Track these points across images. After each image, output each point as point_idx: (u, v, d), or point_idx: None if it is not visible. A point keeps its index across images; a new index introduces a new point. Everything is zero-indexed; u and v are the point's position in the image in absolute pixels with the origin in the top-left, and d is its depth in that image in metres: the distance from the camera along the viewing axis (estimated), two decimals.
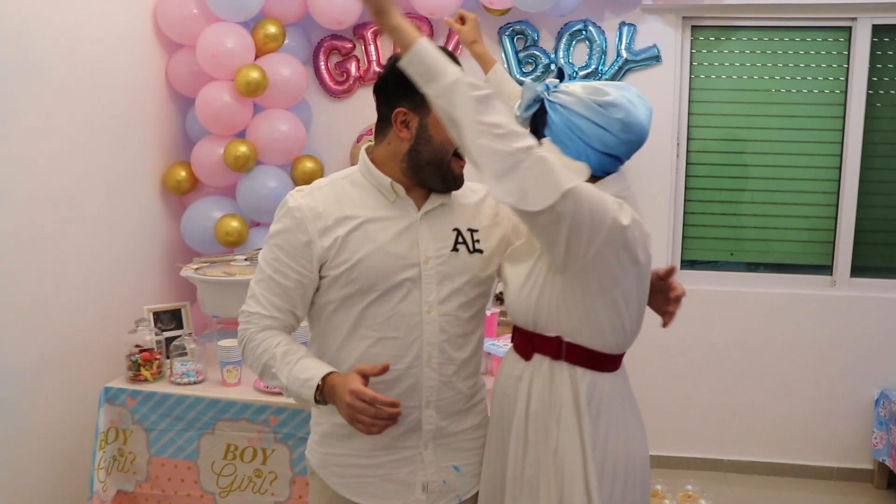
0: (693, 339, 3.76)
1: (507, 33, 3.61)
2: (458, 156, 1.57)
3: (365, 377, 1.48)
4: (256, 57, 3.33)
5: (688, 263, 3.85)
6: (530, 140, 1.40)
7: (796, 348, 3.74)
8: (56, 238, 2.63)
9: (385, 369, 1.49)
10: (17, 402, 2.47)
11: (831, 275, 3.78)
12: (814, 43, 3.64)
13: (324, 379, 1.52)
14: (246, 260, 2.71)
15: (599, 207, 1.42)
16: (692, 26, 3.66)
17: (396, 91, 1.55)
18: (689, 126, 3.73)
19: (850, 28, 3.60)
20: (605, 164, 1.52)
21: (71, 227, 2.72)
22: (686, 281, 3.75)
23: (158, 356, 2.52)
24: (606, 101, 1.49)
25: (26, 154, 2.49)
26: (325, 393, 1.52)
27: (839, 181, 3.71)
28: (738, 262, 3.83)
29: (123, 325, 2.68)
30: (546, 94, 1.54)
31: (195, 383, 2.48)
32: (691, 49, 3.69)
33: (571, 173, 1.45)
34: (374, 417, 1.44)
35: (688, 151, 3.75)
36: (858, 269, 3.77)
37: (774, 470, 3.82)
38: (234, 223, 3.26)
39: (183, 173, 3.37)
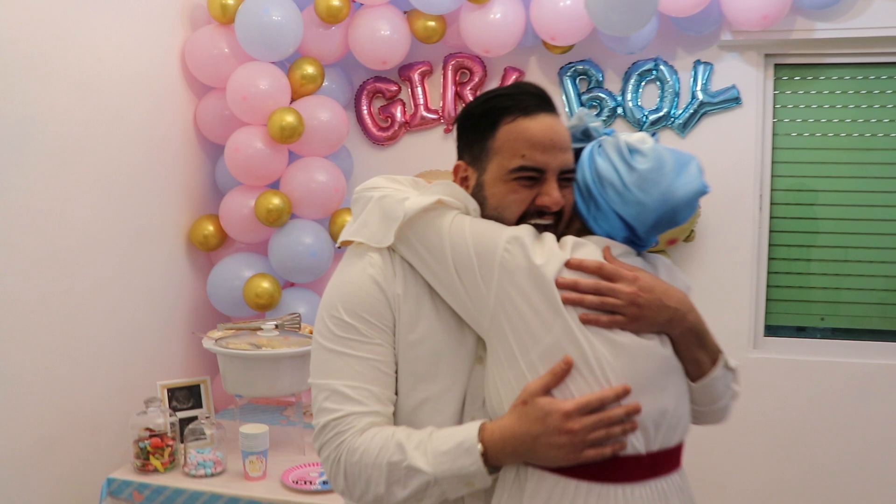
0: (779, 414, 3.31)
1: (568, 73, 3.27)
2: (539, 214, 1.33)
3: (547, 393, 1.20)
4: (292, 100, 3.03)
5: (772, 329, 3.41)
6: None
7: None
8: (63, 300, 2.32)
9: (569, 365, 1.21)
10: (7, 496, 2.11)
11: None
12: None
13: (481, 433, 1.19)
14: (276, 328, 2.35)
15: (482, 236, 1.27)
16: (775, 64, 3.29)
17: (460, 139, 1.39)
18: (772, 176, 3.33)
19: None
20: (614, 230, 1.34)
21: (80, 288, 2.41)
22: (771, 350, 3.33)
23: (171, 442, 2.16)
24: (637, 147, 1.33)
25: (31, 207, 2.19)
26: (489, 452, 1.18)
27: None
28: (831, 329, 3.38)
29: (136, 403, 2.32)
30: (595, 131, 1.41)
31: (213, 475, 2.12)
32: (774, 90, 3.31)
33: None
34: (613, 423, 1.19)
35: (771, 204, 3.34)
36: None
37: None
38: (266, 284, 2.92)
39: (210, 227, 3.06)
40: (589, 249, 1.30)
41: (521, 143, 1.28)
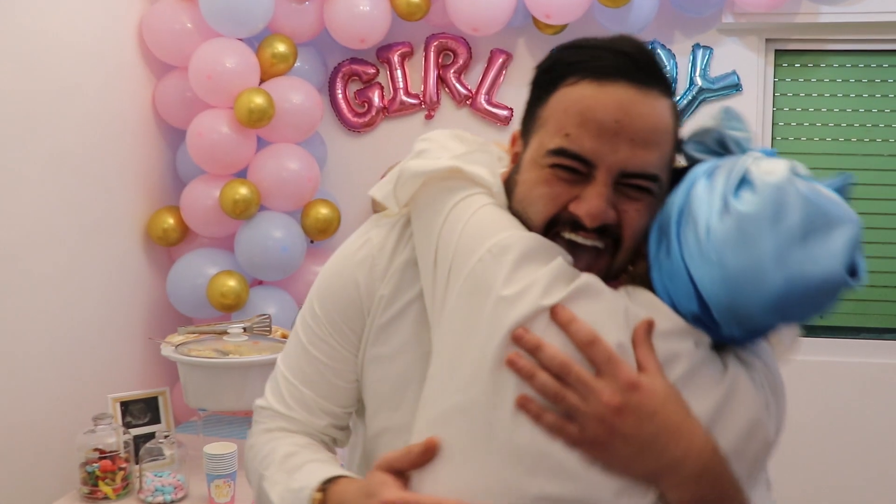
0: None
1: None
2: (574, 226, 0.93)
3: (398, 474, 0.89)
4: (261, 81, 2.76)
5: None
6: None
7: None
8: (9, 295, 2.04)
9: (432, 448, 0.87)
10: None
11: None
12: None
13: (326, 487, 0.95)
14: (244, 331, 2.09)
15: (476, 231, 0.92)
16: (776, 50, 3.11)
17: (528, 101, 1.00)
18: None
19: None
20: (679, 296, 0.89)
21: (21, 288, 2.13)
22: None
23: (124, 464, 1.90)
24: (755, 178, 0.87)
25: None
26: None
27: None
28: (832, 327, 3.21)
29: (83, 419, 2.05)
30: (735, 145, 0.94)
31: (173, 503, 1.85)
32: (775, 77, 3.12)
33: None
34: None
35: None
36: None
37: None
38: (232, 282, 2.65)
39: (171, 220, 2.78)
40: (635, 311, 0.88)
41: (571, 116, 0.90)
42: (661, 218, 0.93)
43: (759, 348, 0.94)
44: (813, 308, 0.87)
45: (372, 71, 3.13)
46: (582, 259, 0.92)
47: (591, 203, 0.89)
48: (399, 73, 3.11)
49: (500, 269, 0.87)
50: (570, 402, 0.83)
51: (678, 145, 0.97)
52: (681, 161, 0.99)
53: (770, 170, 0.88)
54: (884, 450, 3.17)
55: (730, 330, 0.88)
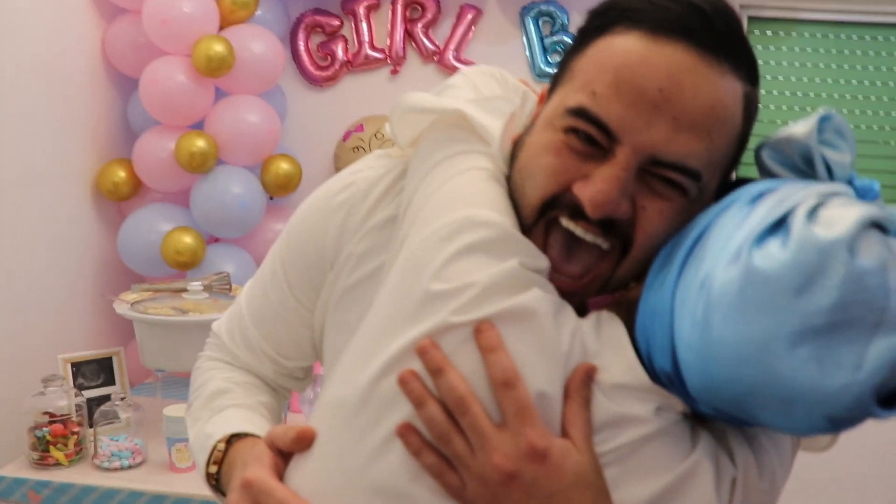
0: None
1: (531, 14, 2.95)
2: (572, 212, 0.73)
3: (281, 453, 0.76)
4: (220, 28, 2.62)
5: None
6: None
7: None
8: None
9: (305, 438, 0.73)
10: None
11: None
12: (888, 43, 3.09)
13: (234, 440, 0.86)
14: (204, 289, 1.98)
15: (449, 198, 0.76)
16: (749, 17, 3.07)
17: (566, 51, 0.80)
18: None
19: None
20: (656, 350, 0.69)
21: None
22: None
23: (77, 428, 1.78)
24: (799, 229, 0.62)
25: None
26: (223, 468, 0.85)
27: None
28: None
29: (31, 382, 1.92)
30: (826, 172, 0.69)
31: (130, 468, 1.75)
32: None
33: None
34: None
35: (742, 164, 3.15)
36: None
37: None
38: (188, 239, 2.52)
39: (122, 174, 2.63)
40: (585, 351, 0.69)
41: (606, 72, 0.70)
42: (679, 237, 0.71)
43: (760, 437, 0.72)
44: (808, 424, 0.63)
45: (336, 23, 3.00)
46: (576, 257, 0.73)
47: (598, 186, 0.69)
48: (364, 25, 2.98)
49: (439, 255, 0.70)
50: (456, 448, 0.67)
51: (746, 146, 0.77)
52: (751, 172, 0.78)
53: (832, 220, 0.62)
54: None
55: (702, 408, 0.68)
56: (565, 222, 0.73)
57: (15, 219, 2.23)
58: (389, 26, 2.97)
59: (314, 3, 2.97)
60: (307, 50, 3.02)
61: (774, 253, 0.61)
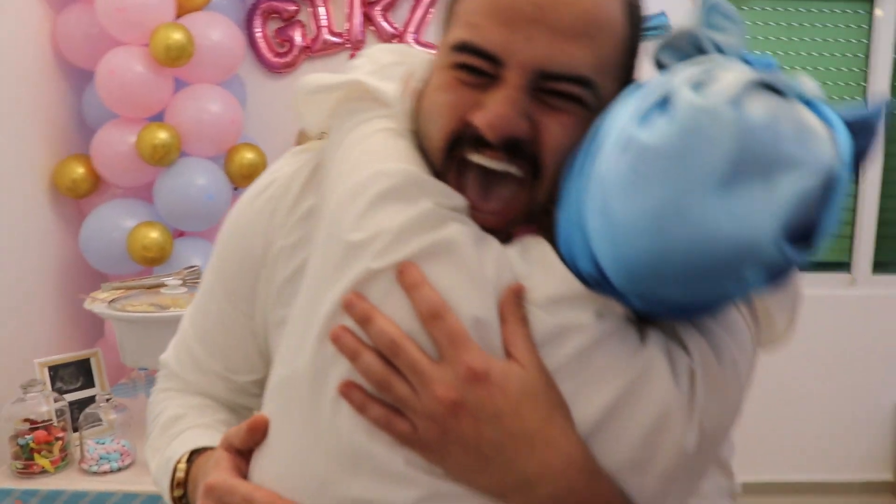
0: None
1: None
2: (476, 143, 0.72)
3: (239, 453, 0.75)
4: (177, 16, 2.54)
5: None
6: None
7: (811, 354, 3.34)
8: None
9: (256, 427, 0.73)
10: None
11: (850, 272, 3.40)
12: (832, 15, 3.18)
13: (195, 458, 0.84)
14: (183, 285, 1.93)
15: (358, 162, 0.75)
16: None
17: None
18: None
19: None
20: (576, 252, 0.67)
21: None
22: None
23: (61, 434, 1.72)
24: (683, 98, 0.62)
25: None
26: (189, 488, 0.82)
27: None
28: None
29: (4, 389, 1.85)
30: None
31: (120, 470, 1.71)
32: None
33: None
34: None
35: None
36: (881, 265, 3.39)
37: (789, 489, 3.40)
38: (154, 234, 2.46)
39: (80, 170, 2.54)
40: (515, 274, 0.68)
41: (482, 3, 0.70)
42: (582, 145, 0.69)
43: (711, 326, 0.70)
44: (732, 283, 0.61)
45: (293, 8, 2.95)
46: (493, 193, 0.72)
47: (492, 109, 0.69)
48: (322, 10, 2.93)
49: (353, 210, 0.69)
50: (398, 392, 0.65)
51: (637, 54, 0.76)
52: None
53: (716, 85, 0.61)
54: (794, 374, 3.33)
55: (634, 302, 0.66)
56: (472, 156, 0.72)
57: None
58: (348, 10, 2.93)
59: None
60: (264, 36, 2.96)
61: (660, 126, 0.61)
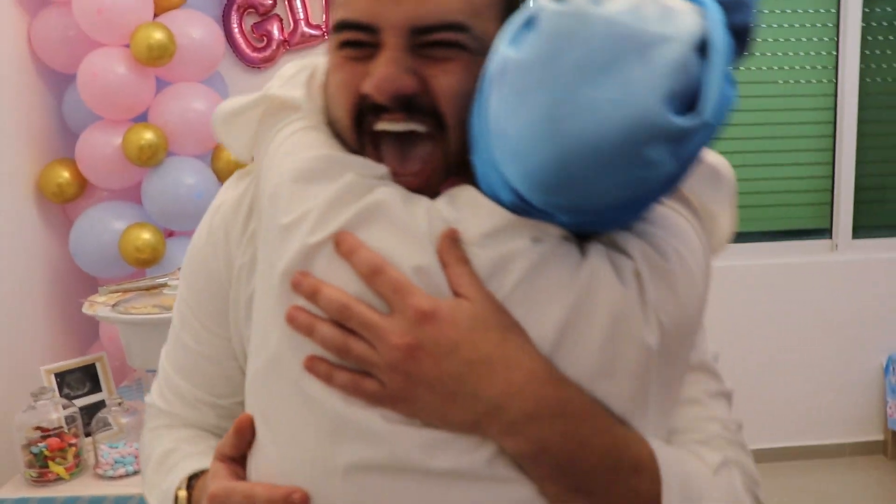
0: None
1: None
2: (375, 110, 0.75)
3: (233, 460, 0.77)
4: (155, 15, 2.52)
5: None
6: None
7: (797, 320, 3.41)
8: None
9: (242, 427, 0.75)
10: None
11: (831, 238, 3.46)
12: None
13: (194, 483, 0.84)
14: None
15: (285, 162, 0.78)
16: None
17: None
18: None
19: None
20: (493, 182, 0.70)
21: None
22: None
23: (74, 440, 1.72)
24: (551, 10, 0.64)
25: None
26: None
27: (835, 134, 3.36)
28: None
29: (9, 398, 1.84)
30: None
31: (136, 473, 1.71)
32: None
33: None
34: None
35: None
36: (861, 230, 3.45)
37: (780, 455, 3.46)
38: (146, 235, 2.44)
39: (65, 174, 2.52)
40: (445, 221, 0.70)
41: None
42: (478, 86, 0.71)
43: (648, 229, 0.72)
44: (640, 169, 0.62)
45: (269, 2, 2.93)
46: (409, 155, 0.74)
47: (376, 73, 0.71)
48: (298, 2, 2.92)
49: (281, 198, 0.72)
50: (357, 352, 0.67)
51: None
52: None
53: None
54: (780, 341, 3.39)
55: (562, 218, 0.67)
56: (376, 125, 0.74)
57: None
58: (324, 1, 2.92)
59: None
60: (241, 31, 2.94)
61: (529, 40, 0.64)
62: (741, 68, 3.20)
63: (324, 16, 2.93)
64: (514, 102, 0.63)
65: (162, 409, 0.91)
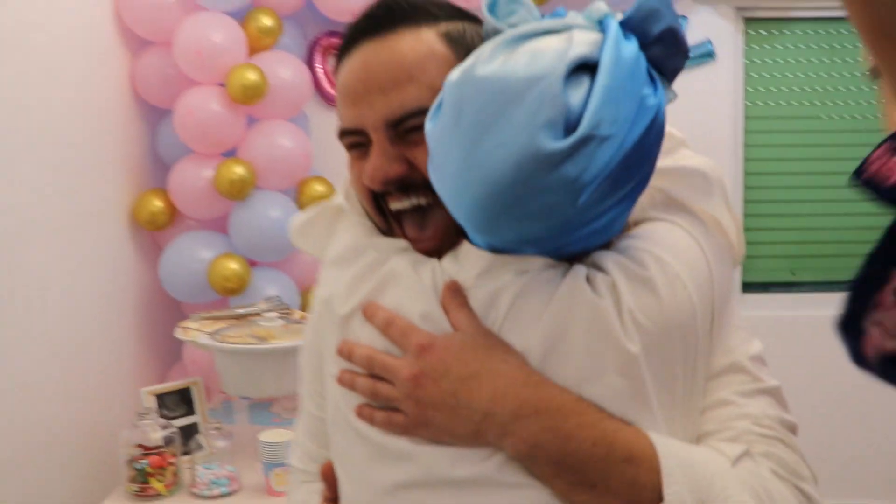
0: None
1: None
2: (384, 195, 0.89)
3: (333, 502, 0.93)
4: (248, 55, 2.66)
5: (749, 286, 3.36)
6: None
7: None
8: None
9: (327, 471, 0.93)
10: None
11: None
12: None
13: None
14: (280, 318, 2.03)
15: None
16: (745, 18, 3.20)
17: None
18: (745, 132, 3.26)
19: None
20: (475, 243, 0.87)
21: (16, 283, 1.99)
22: (748, 307, 3.27)
23: (172, 460, 1.83)
24: (450, 80, 0.78)
25: None
26: None
27: None
28: (803, 283, 3.37)
29: (97, 413, 1.95)
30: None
31: (230, 494, 1.80)
32: (745, 45, 3.22)
33: None
34: None
35: (746, 159, 3.28)
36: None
37: None
38: (233, 265, 2.56)
39: (158, 203, 2.66)
40: (447, 273, 0.83)
41: (339, 98, 0.90)
42: None
43: (627, 243, 0.81)
44: (548, 194, 0.71)
45: None
46: (424, 224, 0.86)
47: (368, 167, 0.85)
48: None
49: (322, 278, 0.91)
50: (383, 393, 0.81)
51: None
52: None
53: (473, 57, 0.76)
54: (857, 396, 3.35)
55: (528, 249, 0.78)
56: (395, 205, 0.86)
57: (62, 256, 2.23)
58: None
59: (327, 25, 3.02)
60: (324, 72, 3.07)
61: (439, 114, 0.77)
62: (811, 117, 3.23)
63: None
64: (440, 165, 0.76)
65: (298, 468, 1.04)
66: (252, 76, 2.51)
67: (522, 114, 0.70)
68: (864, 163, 0.66)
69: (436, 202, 0.82)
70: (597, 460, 0.73)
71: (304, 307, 2.72)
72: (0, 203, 1.95)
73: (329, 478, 0.91)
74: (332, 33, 3.04)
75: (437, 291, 0.81)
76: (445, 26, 0.86)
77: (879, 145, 0.66)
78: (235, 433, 1.93)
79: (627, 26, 0.75)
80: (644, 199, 0.84)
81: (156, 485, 1.78)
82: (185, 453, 1.91)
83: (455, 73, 0.76)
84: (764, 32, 3.24)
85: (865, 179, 0.65)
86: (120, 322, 2.53)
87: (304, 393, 1.03)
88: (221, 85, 2.57)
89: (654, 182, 0.82)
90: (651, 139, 0.75)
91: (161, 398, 2.00)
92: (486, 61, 0.73)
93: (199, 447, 1.87)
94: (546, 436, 0.73)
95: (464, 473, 0.76)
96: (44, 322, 2.08)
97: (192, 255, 2.64)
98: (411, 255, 0.85)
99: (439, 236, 0.85)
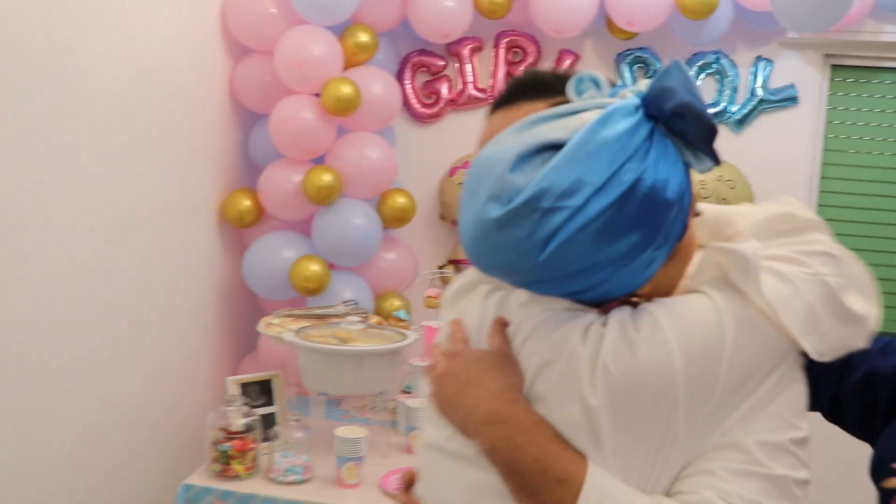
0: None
1: (626, 60, 3.12)
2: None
3: None
4: (344, 69, 2.79)
5: None
6: None
7: None
8: (98, 280, 2.05)
9: (407, 479, 1.09)
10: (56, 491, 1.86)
11: None
12: None
13: None
14: (362, 322, 2.13)
15: None
16: (832, 65, 3.22)
17: None
18: (822, 178, 3.26)
19: None
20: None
21: (116, 268, 2.13)
22: None
23: (253, 445, 1.93)
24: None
25: (63, 180, 1.92)
26: None
27: None
28: (877, 335, 3.34)
29: (182, 395, 2.07)
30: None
31: (303, 482, 1.90)
32: (830, 91, 3.24)
33: None
34: None
35: (820, 206, 3.29)
36: None
37: None
38: (315, 266, 2.68)
39: (247, 202, 2.80)
40: (499, 296, 1.01)
41: None
42: None
43: (648, 306, 0.89)
44: (507, 251, 0.85)
45: (440, 63, 3.17)
46: None
47: None
48: (469, 66, 3.15)
49: (441, 314, 1.07)
50: (429, 377, 1.01)
51: None
52: None
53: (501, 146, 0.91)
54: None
55: (554, 290, 0.89)
56: None
57: (158, 246, 2.37)
58: (492, 67, 3.15)
59: (419, 44, 3.14)
60: (413, 88, 3.19)
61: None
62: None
63: (490, 81, 3.15)
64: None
65: None
66: (346, 89, 2.63)
67: (483, 188, 0.86)
68: None
69: None
70: (534, 475, 0.85)
71: (377, 312, 2.82)
72: (107, 194, 2.09)
73: (409, 483, 1.08)
74: (422, 52, 3.16)
75: (486, 307, 0.98)
76: (560, 99, 0.93)
77: None
78: (311, 426, 2.02)
79: (645, 104, 0.84)
80: (708, 273, 0.90)
81: (236, 467, 1.89)
82: (264, 440, 2.01)
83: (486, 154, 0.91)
84: (850, 80, 3.25)
85: None
86: (206, 311, 2.66)
87: None
88: (316, 95, 2.70)
89: (720, 258, 0.89)
90: (631, 207, 0.81)
91: (244, 387, 2.11)
92: (495, 142, 0.90)
93: (276, 436, 1.96)
94: (501, 443, 0.87)
95: (453, 447, 0.94)
96: (142, 306, 2.22)
97: (276, 253, 2.76)
98: (494, 287, 1.00)
99: None
